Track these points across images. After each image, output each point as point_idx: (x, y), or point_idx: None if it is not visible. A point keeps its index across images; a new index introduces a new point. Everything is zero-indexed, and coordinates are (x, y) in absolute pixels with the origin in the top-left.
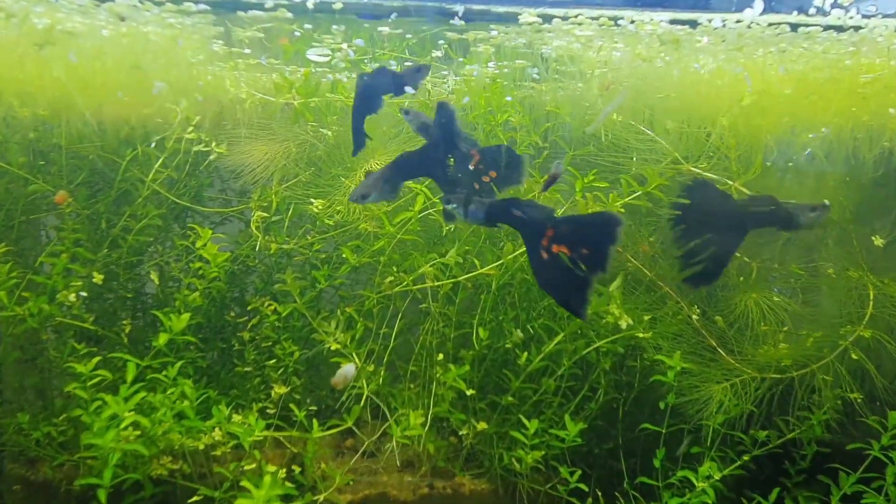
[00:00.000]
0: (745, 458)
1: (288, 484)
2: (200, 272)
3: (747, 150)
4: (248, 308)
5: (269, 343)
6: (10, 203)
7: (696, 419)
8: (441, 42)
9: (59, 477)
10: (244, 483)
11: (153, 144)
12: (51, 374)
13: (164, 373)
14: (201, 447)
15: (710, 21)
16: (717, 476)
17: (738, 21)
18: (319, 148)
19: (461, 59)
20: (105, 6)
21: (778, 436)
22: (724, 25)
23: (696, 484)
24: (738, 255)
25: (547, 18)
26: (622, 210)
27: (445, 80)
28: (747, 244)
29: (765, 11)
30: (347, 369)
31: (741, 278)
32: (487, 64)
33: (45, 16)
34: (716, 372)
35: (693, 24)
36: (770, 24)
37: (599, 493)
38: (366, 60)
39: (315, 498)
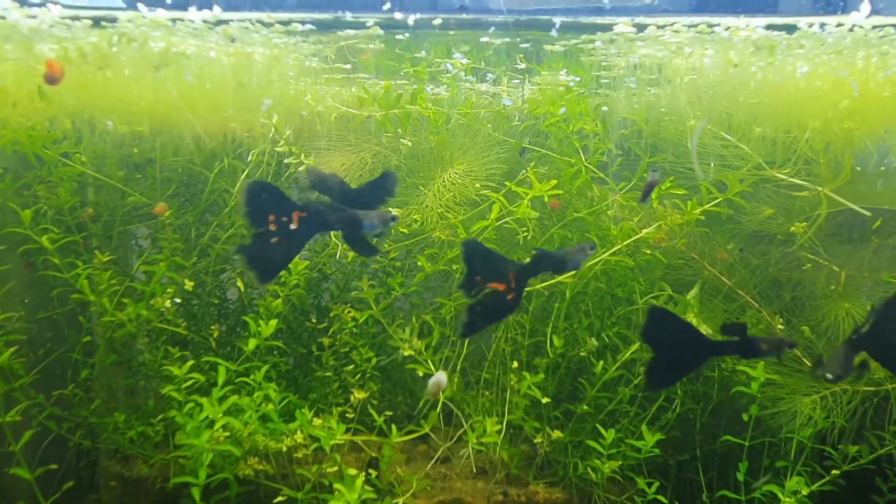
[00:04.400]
0: (835, 473)
1: (367, 487)
2: (282, 280)
3: (838, 154)
4: (331, 315)
5: (347, 349)
6: (107, 214)
7: (781, 432)
8: (526, 47)
9: (153, 474)
10: (337, 485)
11: (249, 158)
12: (144, 377)
13: (251, 376)
14: (284, 449)
15: (809, 25)
16: (805, 491)
17: (838, 25)
18: (393, 158)
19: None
20: (219, 28)
21: (870, 451)
22: (823, 29)
23: (781, 499)
24: (825, 262)
25: (641, 27)
26: (701, 217)
27: (520, 89)
28: (835, 252)
29: (872, 13)
30: (438, 378)
31: (832, 287)
32: (560, 72)
33: (161, 39)
34: (801, 384)
35: (791, 28)
36: (874, 27)
37: None
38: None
39: (394, 501)
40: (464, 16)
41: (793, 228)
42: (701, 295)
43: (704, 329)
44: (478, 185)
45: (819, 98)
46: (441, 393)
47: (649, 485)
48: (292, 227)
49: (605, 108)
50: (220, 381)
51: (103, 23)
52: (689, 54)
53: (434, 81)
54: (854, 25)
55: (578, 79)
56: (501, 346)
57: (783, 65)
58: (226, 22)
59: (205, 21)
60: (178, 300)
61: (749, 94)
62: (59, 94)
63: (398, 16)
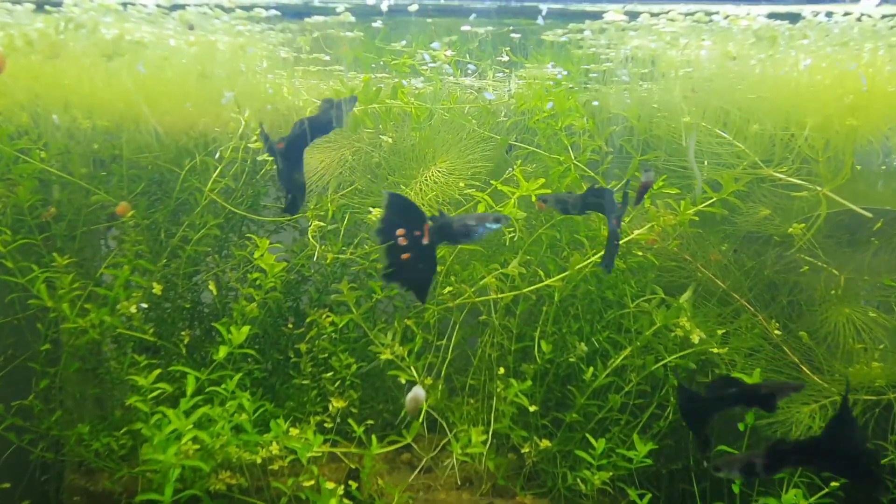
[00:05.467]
0: (834, 485)
1: (346, 501)
2: (258, 282)
3: (838, 152)
4: (307, 320)
5: (326, 355)
6: (72, 213)
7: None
8: (513, 38)
9: (118, 489)
10: (311, 496)
11: (217, 155)
12: (111, 385)
13: (222, 385)
14: (259, 461)
15: (815, 14)
16: None
17: (846, 14)
18: (375, 155)
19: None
20: (175, 14)
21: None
22: (830, 18)
23: None
24: (824, 265)
25: (633, 15)
26: (695, 218)
27: (507, 83)
28: (834, 255)
29: (882, 2)
30: (416, 393)
31: (831, 290)
32: (547, 66)
33: (113, 26)
34: (801, 393)
35: (795, 17)
36: (884, 17)
37: None
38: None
39: None
40: (443, 1)
41: (790, 230)
42: (694, 298)
43: (697, 334)
44: (462, 185)
45: (821, 93)
46: (421, 406)
47: (641, 496)
48: (424, 240)
49: (595, 103)
50: (190, 390)
51: (47, 7)
52: (685, 46)
53: (416, 75)
54: (863, 15)
55: (566, 72)
56: (487, 352)
57: (784, 58)
58: (182, 6)
59: (158, 6)
60: (145, 305)
61: (747, 88)
62: (5, 85)
63: (370, 0)
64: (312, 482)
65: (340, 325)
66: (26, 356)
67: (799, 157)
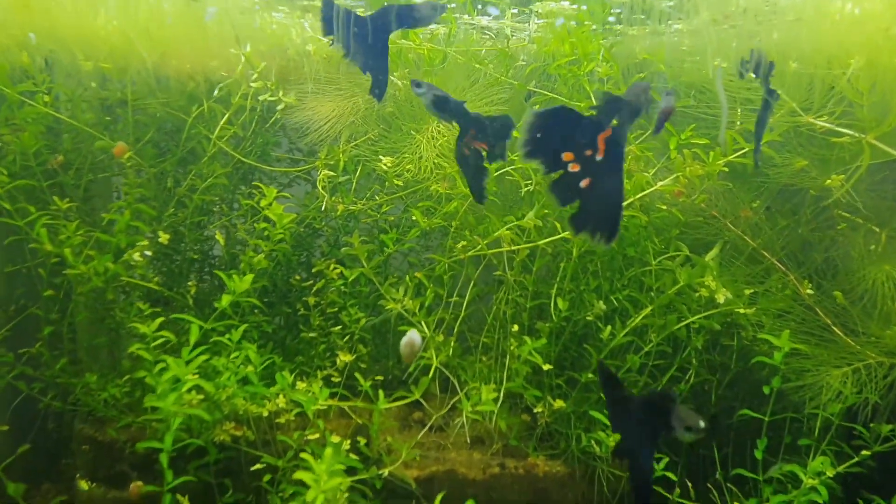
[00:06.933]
0: (865, 453)
1: (352, 456)
2: (266, 233)
3: (885, 95)
4: (313, 270)
5: (336, 309)
6: (79, 161)
7: (806, 407)
8: None
9: (124, 438)
10: (304, 455)
11: (215, 93)
12: (119, 336)
13: (227, 336)
14: (265, 414)
15: None
16: (831, 473)
17: None
18: (388, 104)
19: None
20: None
21: None
22: None
23: (804, 480)
24: (863, 222)
25: None
26: (725, 169)
27: (527, 24)
28: (875, 210)
29: None
30: (412, 337)
31: (872, 246)
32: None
33: None
34: (830, 355)
35: None
36: None
37: (689, 484)
38: None
39: (380, 472)
40: None
41: (828, 181)
42: (722, 257)
43: (723, 294)
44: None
45: (867, 23)
46: (417, 352)
47: (658, 460)
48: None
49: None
50: (192, 340)
51: None
52: None
53: None
54: None
55: (584, 7)
56: (502, 309)
57: None
58: None
59: None
60: (149, 252)
61: (784, 23)
62: None
63: None
64: (318, 436)
65: (350, 279)
66: (37, 306)
67: (842, 102)
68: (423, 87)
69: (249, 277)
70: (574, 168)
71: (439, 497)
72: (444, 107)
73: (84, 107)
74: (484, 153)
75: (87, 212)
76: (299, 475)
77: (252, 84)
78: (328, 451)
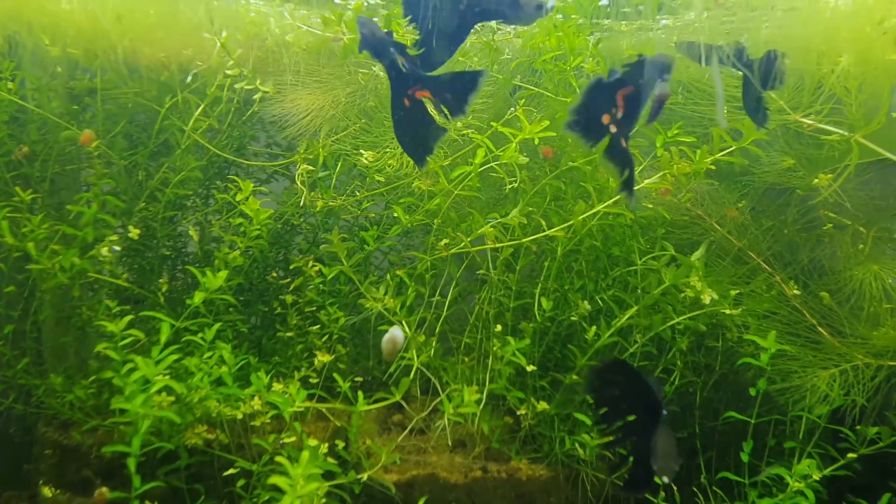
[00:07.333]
0: (851, 456)
1: (330, 460)
2: (242, 229)
3: (875, 91)
4: (291, 267)
5: (314, 308)
6: (44, 153)
7: (791, 410)
8: None
9: (90, 442)
10: (279, 458)
11: (188, 79)
12: (86, 335)
13: (200, 335)
14: (240, 416)
15: None
16: (817, 476)
17: None
18: (370, 98)
19: None
20: None
21: (892, 433)
22: None
23: (790, 483)
24: (850, 222)
25: None
26: (712, 167)
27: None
28: (861, 209)
29: None
30: (394, 333)
31: (860, 246)
32: None
33: None
34: (817, 357)
35: None
36: None
37: (674, 488)
38: None
39: (359, 476)
40: None
41: (815, 181)
42: (707, 257)
43: (709, 294)
44: (459, 125)
45: (859, 14)
46: (399, 349)
47: None
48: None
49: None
50: (163, 339)
51: None
52: None
53: None
54: None
55: None
56: (485, 309)
57: None
58: None
59: None
60: (118, 248)
61: (773, 18)
62: None
63: None
64: (294, 439)
65: (329, 277)
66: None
67: (831, 100)
68: (365, 25)
69: (223, 273)
70: (614, 129)
71: (421, 501)
72: (381, 51)
73: (51, 95)
74: (430, 106)
75: (54, 206)
76: (274, 480)
77: (228, 72)
78: (304, 454)
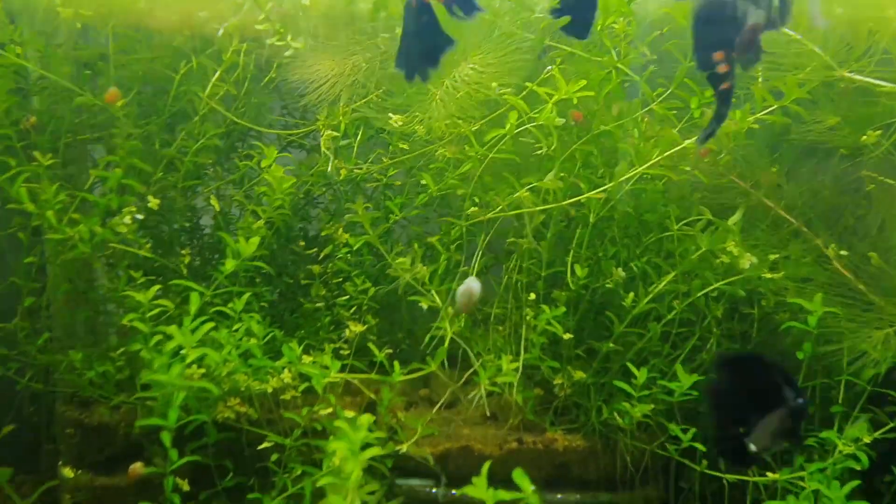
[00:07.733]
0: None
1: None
2: (264, 198)
3: None
4: (323, 234)
5: (340, 279)
6: (54, 123)
7: (834, 374)
8: None
9: (116, 419)
10: (338, 423)
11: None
12: (104, 310)
13: (229, 305)
14: (269, 390)
15: None
16: (868, 439)
17: None
18: (391, 64)
19: None
20: None
21: None
22: None
23: (839, 446)
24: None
25: None
26: (755, 126)
27: None
28: None
29: None
30: (470, 285)
31: None
32: None
33: None
34: (869, 316)
35: None
36: None
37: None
38: None
39: (397, 448)
40: None
41: (864, 138)
42: (745, 221)
43: (748, 259)
44: (494, 85)
45: None
46: (475, 302)
47: (684, 430)
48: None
49: None
50: (193, 309)
51: None
52: None
53: None
54: None
55: None
56: (515, 278)
57: None
58: None
59: None
60: (140, 216)
61: None
62: None
63: None
64: (329, 410)
65: (356, 247)
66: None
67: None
68: None
69: (256, 240)
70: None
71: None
72: None
73: (61, 60)
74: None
75: (67, 178)
76: (334, 445)
77: (257, 26)
78: (363, 417)
